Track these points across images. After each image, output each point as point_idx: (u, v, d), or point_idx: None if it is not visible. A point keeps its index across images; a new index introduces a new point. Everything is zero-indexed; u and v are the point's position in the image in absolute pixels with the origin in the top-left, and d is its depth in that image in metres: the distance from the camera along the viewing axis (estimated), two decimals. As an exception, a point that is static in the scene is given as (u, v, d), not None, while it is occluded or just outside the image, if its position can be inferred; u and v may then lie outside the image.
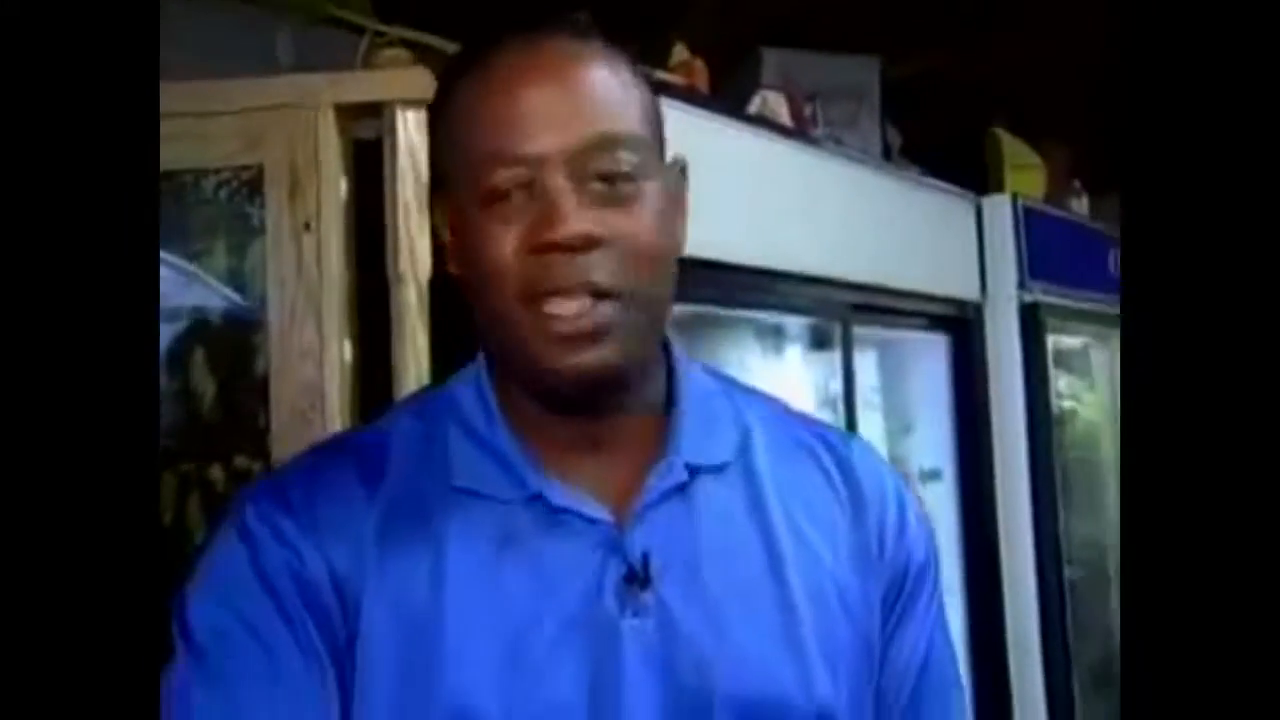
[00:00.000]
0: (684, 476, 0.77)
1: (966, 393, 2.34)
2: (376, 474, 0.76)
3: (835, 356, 2.03)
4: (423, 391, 0.86)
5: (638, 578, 0.73)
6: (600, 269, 0.71)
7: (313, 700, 0.70)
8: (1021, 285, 2.37)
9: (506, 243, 0.71)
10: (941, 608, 0.85)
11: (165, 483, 1.52)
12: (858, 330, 2.07)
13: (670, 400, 0.80)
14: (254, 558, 0.72)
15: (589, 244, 0.71)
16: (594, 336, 0.71)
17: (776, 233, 1.81)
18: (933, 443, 2.34)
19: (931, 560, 0.84)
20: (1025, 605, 2.29)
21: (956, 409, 2.34)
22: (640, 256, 0.72)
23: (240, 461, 1.35)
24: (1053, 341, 2.43)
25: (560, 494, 0.75)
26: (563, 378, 0.73)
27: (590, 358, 0.72)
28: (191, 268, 1.55)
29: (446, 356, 1.27)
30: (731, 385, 0.87)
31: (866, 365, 2.24)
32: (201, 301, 1.61)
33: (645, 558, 0.74)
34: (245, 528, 0.74)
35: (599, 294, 0.71)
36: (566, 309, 0.71)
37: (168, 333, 1.57)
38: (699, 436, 0.79)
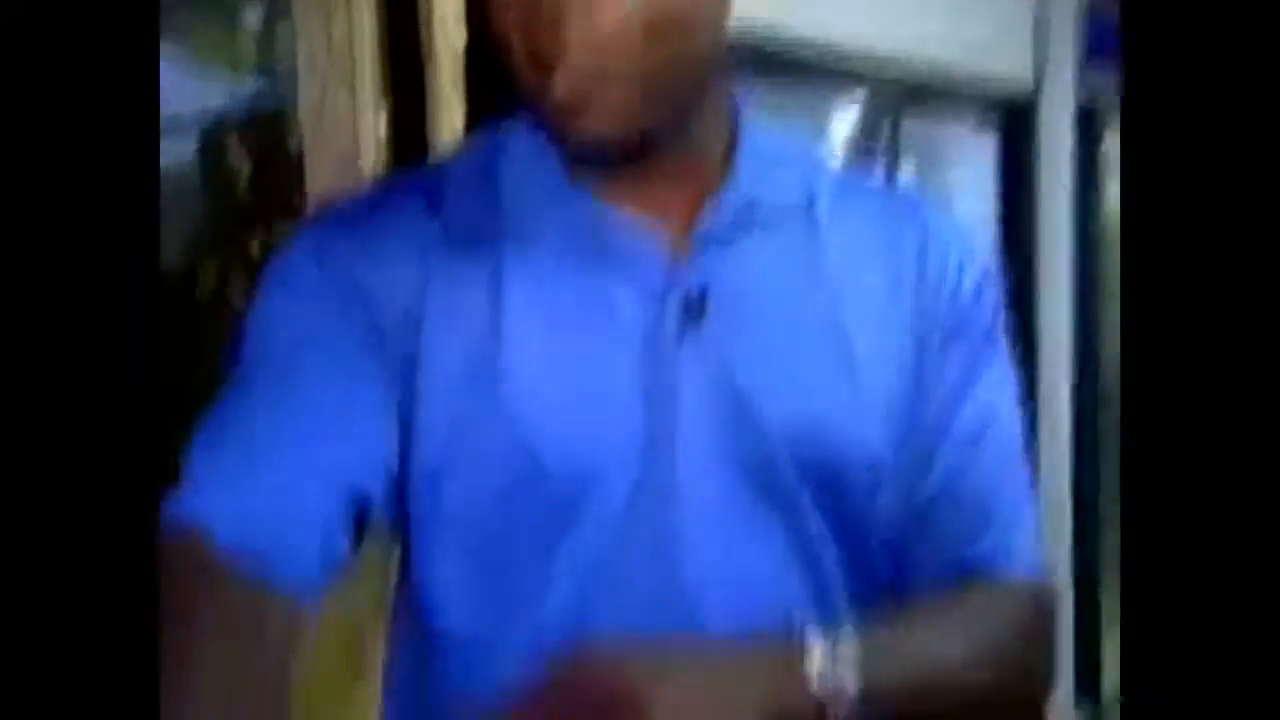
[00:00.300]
0: (742, 210, 0.76)
1: (1014, 189, 2.29)
2: (435, 204, 0.76)
3: (879, 149, 1.98)
4: (481, 134, 0.85)
5: (695, 310, 0.73)
6: (588, 39, 0.67)
7: (358, 385, 0.71)
8: (1079, 76, 2.28)
9: (510, 10, 0.69)
10: (1003, 371, 0.83)
11: (205, 264, 1.54)
12: (903, 128, 2.00)
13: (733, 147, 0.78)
14: (317, 268, 0.73)
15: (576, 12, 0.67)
16: (590, 104, 0.69)
17: (817, 7, 1.74)
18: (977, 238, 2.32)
19: (990, 318, 0.82)
20: (1059, 401, 2.31)
21: (1003, 204, 2.29)
22: (644, 23, 0.68)
23: (279, 232, 1.36)
24: (1107, 144, 2.35)
25: (616, 224, 0.74)
26: (570, 142, 0.72)
27: (587, 127, 0.70)
28: (217, 51, 1.52)
29: (482, 127, 1.24)
30: (800, 141, 0.86)
31: (907, 168, 2.19)
32: (231, 80, 1.58)
33: (703, 291, 0.74)
34: (308, 242, 0.75)
35: (586, 64, 0.68)
36: (557, 80, 0.68)
37: (199, 119, 1.55)
38: (760, 179, 0.78)
